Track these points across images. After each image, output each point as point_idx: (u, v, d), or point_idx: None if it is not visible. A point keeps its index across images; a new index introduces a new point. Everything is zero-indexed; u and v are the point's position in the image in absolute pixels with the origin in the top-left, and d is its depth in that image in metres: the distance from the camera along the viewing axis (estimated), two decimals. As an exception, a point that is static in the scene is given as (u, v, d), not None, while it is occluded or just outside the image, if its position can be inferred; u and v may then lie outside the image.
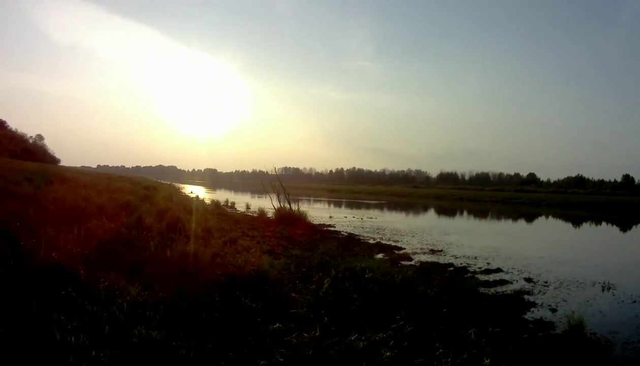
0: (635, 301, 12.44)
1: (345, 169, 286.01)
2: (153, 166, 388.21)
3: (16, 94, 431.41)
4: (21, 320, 6.20)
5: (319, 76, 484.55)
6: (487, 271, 15.97)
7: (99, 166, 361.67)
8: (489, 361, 6.71)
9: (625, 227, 42.34)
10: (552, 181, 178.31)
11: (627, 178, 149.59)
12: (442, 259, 18.07)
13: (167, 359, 5.93)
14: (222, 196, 63.53)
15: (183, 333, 6.78)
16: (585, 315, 10.22)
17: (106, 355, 5.67)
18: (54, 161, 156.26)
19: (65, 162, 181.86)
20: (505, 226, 44.14)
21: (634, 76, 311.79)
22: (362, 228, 30.17)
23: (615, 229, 41.25)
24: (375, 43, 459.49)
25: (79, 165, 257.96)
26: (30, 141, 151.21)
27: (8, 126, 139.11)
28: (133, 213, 17.01)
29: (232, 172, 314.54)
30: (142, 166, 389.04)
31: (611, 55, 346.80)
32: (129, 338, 6.28)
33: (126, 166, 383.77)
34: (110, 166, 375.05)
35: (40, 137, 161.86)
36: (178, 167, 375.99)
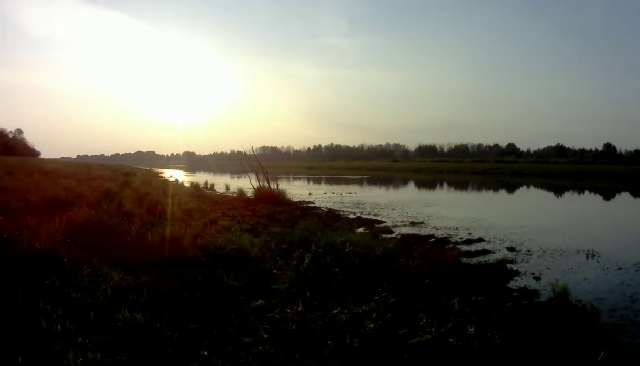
0: (620, 268, 12.44)
1: (323, 146, 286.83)
2: (132, 152, 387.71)
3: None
4: (8, 311, 6.23)
5: (293, 53, 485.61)
6: (469, 242, 16.04)
7: (78, 156, 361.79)
8: (473, 329, 6.74)
9: (608, 195, 42.42)
10: (532, 151, 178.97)
11: (609, 147, 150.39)
12: (423, 231, 18.16)
13: (152, 341, 5.97)
14: (201, 178, 63.16)
15: (167, 315, 6.83)
16: (570, 282, 10.27)
17: (92, 340, 5.72)
18: (34, 153, 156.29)
19: (45, 154, 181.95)
20: (486, 196, 44.48)
21: (613, 46, 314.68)
22: (342, 203, 30.24)
23: (598, 198, 41.41)
24: (348, 19, 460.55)
25: (58, 156, 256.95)
26: (10, 135, 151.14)
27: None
28: (113, 200, 16.99)
29: (210, 154, 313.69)
30: (121, 153, 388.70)
31: (591, 26, 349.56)
32: (114, 323, 6.33)
33: (105, 154, 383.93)
34: (89, 155, 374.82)
35: (19, 131, 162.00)
36: (157, 153, 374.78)
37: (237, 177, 64.41)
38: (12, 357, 4.98)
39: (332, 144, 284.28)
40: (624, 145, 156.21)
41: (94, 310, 6.61)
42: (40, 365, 5.04)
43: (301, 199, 31.82)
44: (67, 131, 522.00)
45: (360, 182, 62.83)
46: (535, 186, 55.72)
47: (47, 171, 34.10)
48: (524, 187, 54.48)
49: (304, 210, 24.63)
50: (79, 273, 8.25)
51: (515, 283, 10.86)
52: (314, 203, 29.66)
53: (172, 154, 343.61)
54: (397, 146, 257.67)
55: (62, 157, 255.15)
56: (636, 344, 7.28)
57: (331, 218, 21.36)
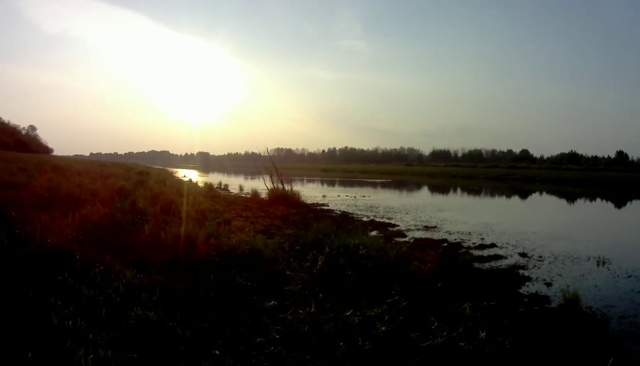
0: (630, 276, 12.41)
1: (337, 149, 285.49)
2: (146, 151, 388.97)
3: (7, 86, 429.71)
4: (19, 306, 6.23)
5: (309, 56, 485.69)
6: (482, 247, 15.98)
7: (91, 154, 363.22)
8: (484, 334, 6.70)
9: (620, 203, 42.18)
10: (545, 158, 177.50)
11: (621, 154, 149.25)
12: (436, 235, 18.14)
13: (164, 339, 5.97)
14: (216, 178, 63.31)
15: (179, 314, 6.82)
16: (581, 289, 10.22)
17: (104, 337, 5.70)
18: (47, 150, 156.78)
19: (58, 151, 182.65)
20: (499, 202, 44.30)
21: (628, 53, 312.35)
22: (356, 206, 30.21)
23: (609, 205, 41.23)
24: (364, 22, 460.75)
25: (71, 154, 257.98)
26: (23, 132, 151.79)
27: (0, 118, 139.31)
28: (127, 198, 17.00)
29: (224, 155, 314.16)
30: (134, 152, 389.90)
31: (607, 31, 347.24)
32: (126, 320, 6.32)
33: (119, 153, 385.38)
34: (103, 153, 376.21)
35: (32, 128, 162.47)
36: (171, 152, 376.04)
37: (251, 179, 64.58)
38: (23, 352, 4.97)
39: (346, 147, 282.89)
40: (636, 153, 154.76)
41: (106, 307, 6.60)
42: (51, 360, 5.02)
43: (315, 202, 31.82)
44: (81, 128, 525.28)
45: (374, 185, 62.82)
46: (547, 192, 55.45)
47: (60, 168, 34.26)
48: (537, 193, 54.24)
49: (317, 212, 24.67)
50: (91, 270, 8.24)
51: (527, 288, 10.87)
52: (328, 206, 29.66)
53: (187, 154, 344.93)
54: (411, 150, 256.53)
55: (75, 155, 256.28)
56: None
57: (345, 220, 21.37)
